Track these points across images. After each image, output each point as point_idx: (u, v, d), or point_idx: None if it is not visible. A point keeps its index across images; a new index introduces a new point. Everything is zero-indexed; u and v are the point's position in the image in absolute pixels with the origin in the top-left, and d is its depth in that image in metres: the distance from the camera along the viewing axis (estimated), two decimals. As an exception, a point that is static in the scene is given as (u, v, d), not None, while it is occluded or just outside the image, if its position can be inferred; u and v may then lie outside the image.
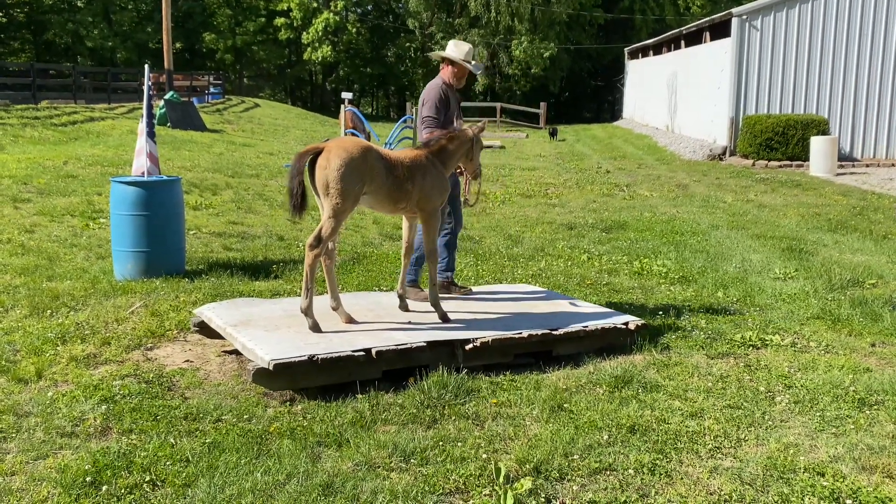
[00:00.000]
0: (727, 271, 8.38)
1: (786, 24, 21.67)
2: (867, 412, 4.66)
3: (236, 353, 5.35)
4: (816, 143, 19.08)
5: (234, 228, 9.78)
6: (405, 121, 20.99)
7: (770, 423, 4.50)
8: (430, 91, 6.30)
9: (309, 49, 49.14)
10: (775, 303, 7.17)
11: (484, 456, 3.97)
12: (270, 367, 4.54)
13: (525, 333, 5.34)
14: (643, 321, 5.89)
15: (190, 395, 4.73)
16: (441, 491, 3.64)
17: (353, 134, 18.85)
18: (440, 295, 5.95)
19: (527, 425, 4.37)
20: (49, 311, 6.12)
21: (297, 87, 61.59)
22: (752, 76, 21.83)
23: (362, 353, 4.82)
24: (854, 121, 21.89)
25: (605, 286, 7.66)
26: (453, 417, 4.45)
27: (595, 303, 6.66)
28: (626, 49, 40.71)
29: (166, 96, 23.89)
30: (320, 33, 48.25)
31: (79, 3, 46.62)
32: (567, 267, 8.52)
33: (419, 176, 5.52)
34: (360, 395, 4.69)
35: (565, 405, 4.62)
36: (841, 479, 3.81)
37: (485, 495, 3.60)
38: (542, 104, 41.68)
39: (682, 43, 28.08)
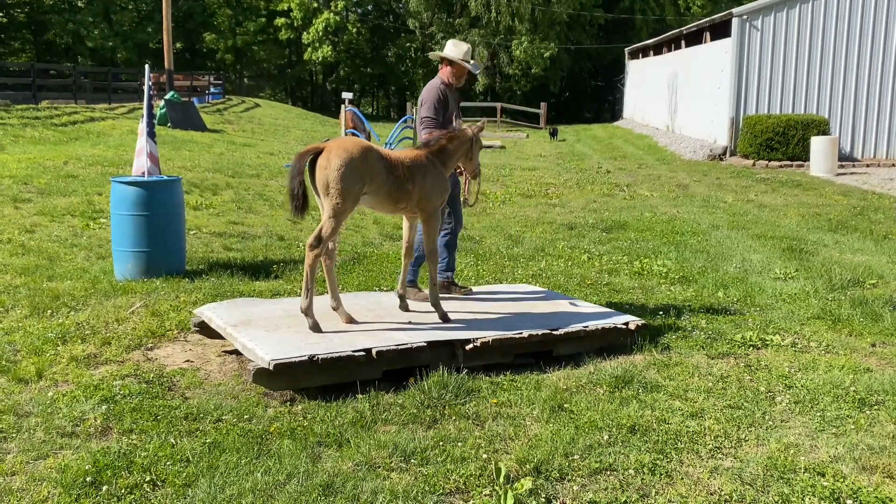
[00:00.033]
0: (727, 271, 8.38)
1: (786, 25, 21.67)
2: (867, 412, 4.66)
3: (236, 353, 5.35)
4: (817, 144, 19.08)
5: (235, 228, 9.78)
6: (405, 121, 20.98)
7: (770, 423, 4.50)
8: (429, 91, 6.30)
9: (309, 49, 49.15)
10: (776, 303, 7.17)
11: (484, 456, 3.97)
12: (271, 367, 4.55)
13: (525, 333, 5.34)
14: (643, 321, 5.89)
15: (190, 395, 4.73)
16: (441, 491, 3.64)
17: (353, 134, 18.85)
18: (440, 295, 5.95)
19: (527, 425, 4.37)
20: (49, 311, 6.12)
21: (297, 87, 61.62)
22: (752, 76, 21.83)
23: (363, 353, 4.83)
24: (854, 121, 21.88)
25: (606, 286, 7.66)
26: (454, 417, 4.45)
27: (595, 303, 6.66)
28: (626, 49, 40.73)
29: (167, 96, 23.89)
30: (321, 33, 48.27)
31: (79, 4, 46.62)
32: (567, 267, 8.52)
33: (419, 176, 5.52)
34: (360, 395, 4.69)
35: (566, 405, 4.62)
36: (841, 480, 3.81)
37: (485, 495, 3.60)
38: (543, 104, 41.70)
39: (683, 43, 28.08)
